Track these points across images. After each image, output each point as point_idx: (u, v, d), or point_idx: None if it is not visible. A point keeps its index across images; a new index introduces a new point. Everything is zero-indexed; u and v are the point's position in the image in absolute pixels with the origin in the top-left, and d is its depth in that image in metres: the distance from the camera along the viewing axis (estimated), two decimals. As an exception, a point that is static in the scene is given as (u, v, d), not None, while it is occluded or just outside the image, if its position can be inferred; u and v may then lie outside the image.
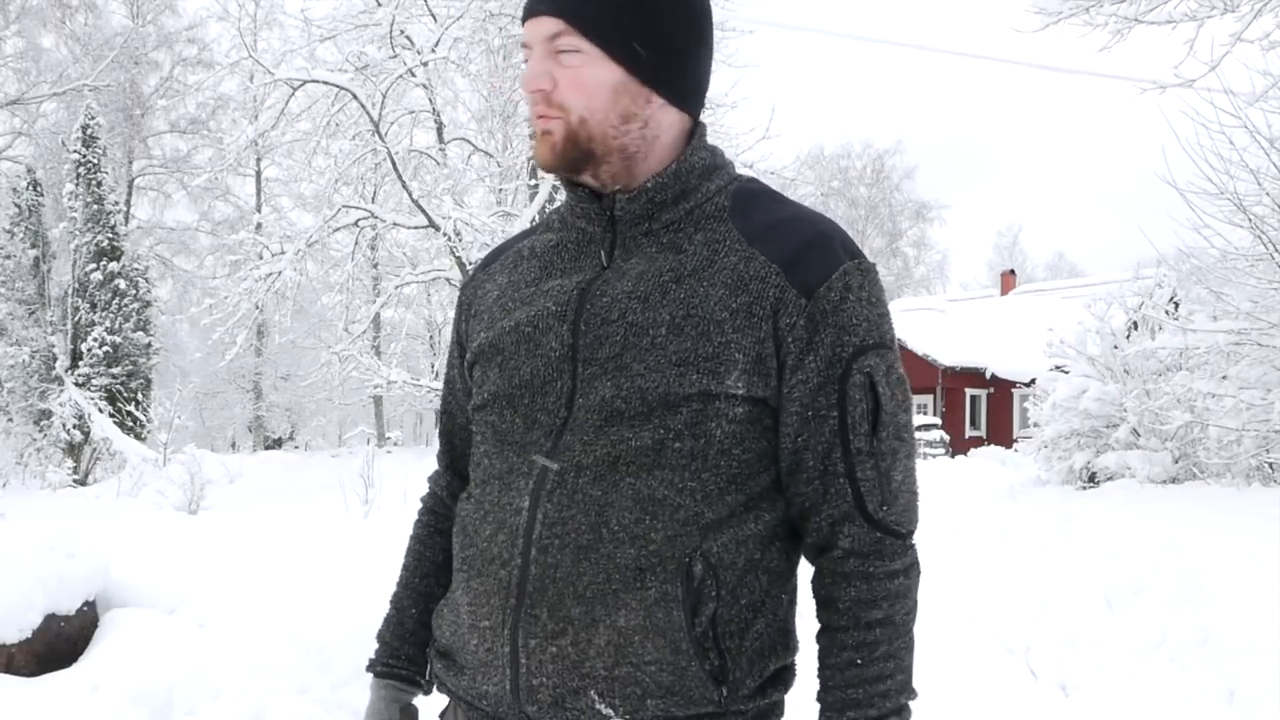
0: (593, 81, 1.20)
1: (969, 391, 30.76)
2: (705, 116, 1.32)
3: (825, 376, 1.17)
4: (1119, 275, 15.23)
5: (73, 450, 18.44)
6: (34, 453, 18.38)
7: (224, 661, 3.89)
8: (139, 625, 4.06)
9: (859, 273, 1.19)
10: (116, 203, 20.74)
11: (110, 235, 19.40)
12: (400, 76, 15.98)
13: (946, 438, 24.66)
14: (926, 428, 24.41)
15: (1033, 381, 12.33)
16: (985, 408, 31.10)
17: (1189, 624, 4.70)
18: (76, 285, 19.14)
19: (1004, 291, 39.66)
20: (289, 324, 21.22)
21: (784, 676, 1.23)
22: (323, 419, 34.97)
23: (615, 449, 1.15)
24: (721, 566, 1.15)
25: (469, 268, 16.58)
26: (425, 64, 16.18)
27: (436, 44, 16.21)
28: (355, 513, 9.85)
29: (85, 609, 4.05)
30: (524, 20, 1.23)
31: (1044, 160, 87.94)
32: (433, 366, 25.44)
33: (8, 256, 18.64)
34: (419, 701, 1.41)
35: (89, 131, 19.55)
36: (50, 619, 3.88)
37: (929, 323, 31.99)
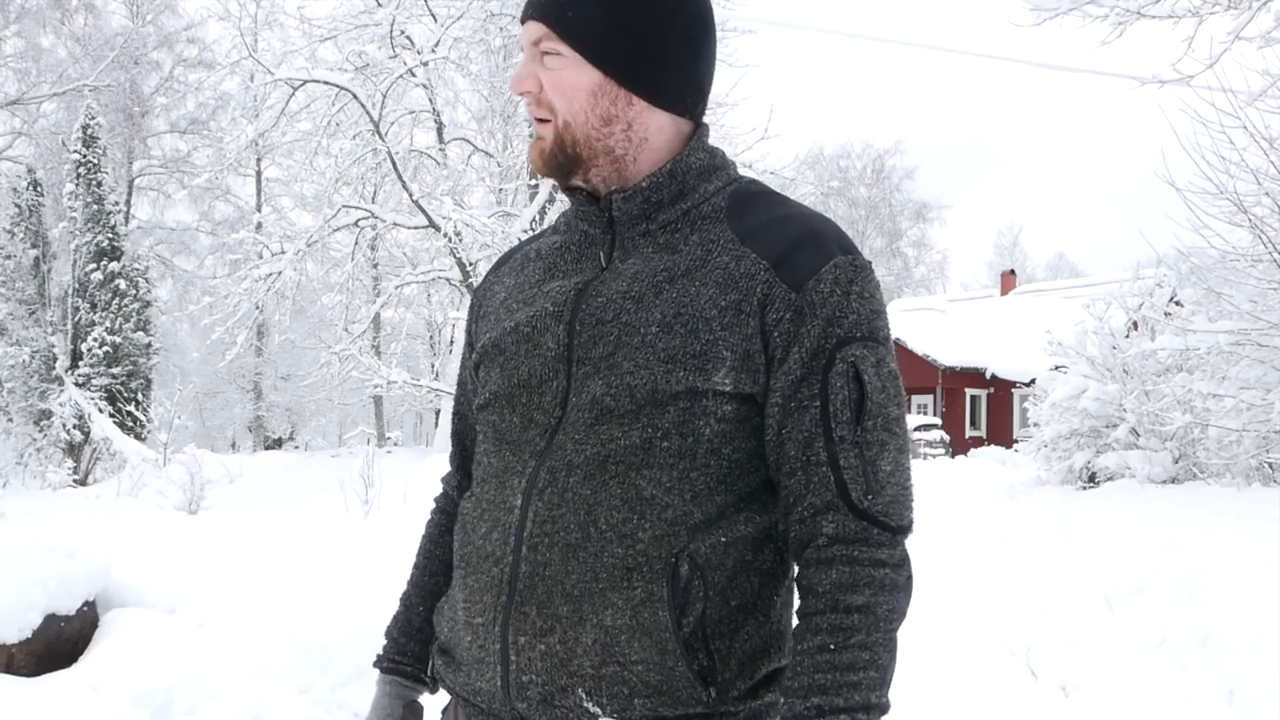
0: (571, 84, 1.23)
1: (969, 391, 30.77)
2: (705, 116, 1.33)
3: (809, 367, 1.16)
4: (1119, 275, 15.22)
5: (73, 450, 18.44)
6: (34, 453, 18.38)
7: (224, 661, 3.89)
8: (139, 625, 4.06)
9: (850, 268, 1.19)
10: (116, 203, 20.74)
11: (110, 235, 19.40)
12: (400, 76, 15.99)
13: (946, 438, 24.66)
14: (926, 428, 24.42)
15: (1033, 381, 12.34)
16: (985, 408, 31.12)
17: (1189, 624, 4.70)
18: (76, 285, 19.14)
19: (1004, 291, 39.67)
20: (289, 324, 21.21)
21: (778, 678, 1.23)
22: (323, 419, 34.99)
23: (605, 448, 1.16)
24: (709, 567, 1.15)
25: (469, 268, 16.64)
26: (425, 64, 16.18)
27: (437, 44, 16.21)
28: (355, 513, 9.85)
29: (85, 609, 4.05)
30: (522, 24, 1.27)
31: (1044, 160, 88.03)
32: (433, 366, 25.43)
33: (8, 256, 18.64)
34: (424, 699, 1.42)
35: (89, 131, 19.55)
36: (50, 619, 3.88)
37: (929, 323, 32.00)
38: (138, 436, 18.95)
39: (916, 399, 30.54)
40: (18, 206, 18.77)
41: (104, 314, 19.07)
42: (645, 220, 1.25)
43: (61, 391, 18.50)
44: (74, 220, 19.21)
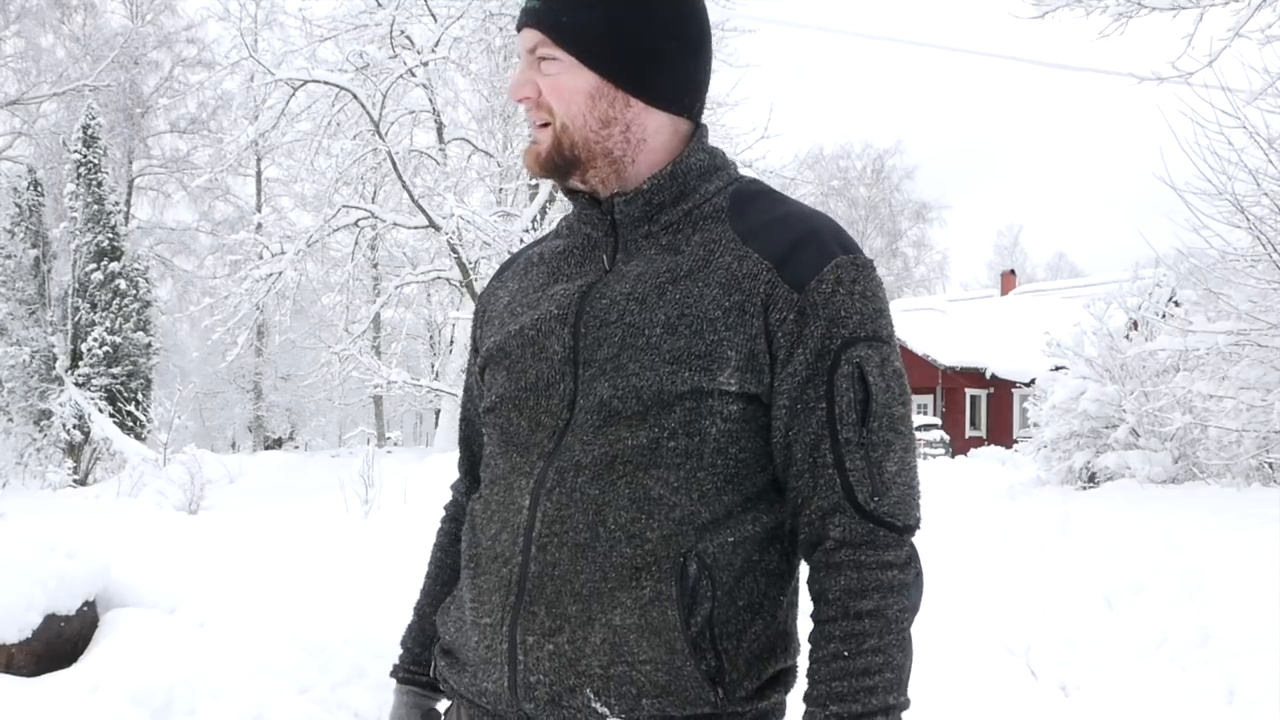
0: (569, 88, 1.24)
1: (969, 391, 30.78)
2: (705, 116, 1.33)
3: (814, 369, 1.16)
4: (1119, 276, 15.23)
5: (73, 450, 18.44)
6: (34, 453, 18.38)
7: (224, 661, 3.89)
8: (139, 625, 4.06)
9: (852, 266, 1.19)
10: (117, 203, 20.74)
11: (110, 235, 19.40)
12: (400, 76, 15.99)
13: (946, 438, 24.67)
14: (926, 428, 24.42)
15: (1033, 382, 12.33)
16: (985, 408, 31.12)
17: (1189, 624, 4.70)
18: (77, 285, 19.14)
19: (1004, 291, 39.67)
20: (289, 324, 21.22)
21: (784, 678, 1.23)
22: (323, 419, 34.99)
23: (613, 448, 1.16)
24: (717, 567, 1.16)
25: (469, 268, 16.64)
26: (425, 64, 16.18)
27: (437, 44, 16.22)
28: (355, 513, 9.85)
29: (85, 609, 4.05)
30: (518, 31, 1.29)
31: (1044, 160, 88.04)
32: (433, 366, 25.44)
33: (8, 256, 18.65)
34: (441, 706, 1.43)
35: (90, 131, 19.56)
36: (50, 619, 3.88)
37: (929, 323, 32.01)
38: (138, 436, 18.96)
39: (916, 399, 30.52)
40: (18, 206, 18.78)
41: (104, 314, 19.07)
42: (647, 222, 1.25)
43: (61, 391, 18.50)
44: (74, 220, 19.22)
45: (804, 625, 1.26)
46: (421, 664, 1.41)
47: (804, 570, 1.26)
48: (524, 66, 1.27)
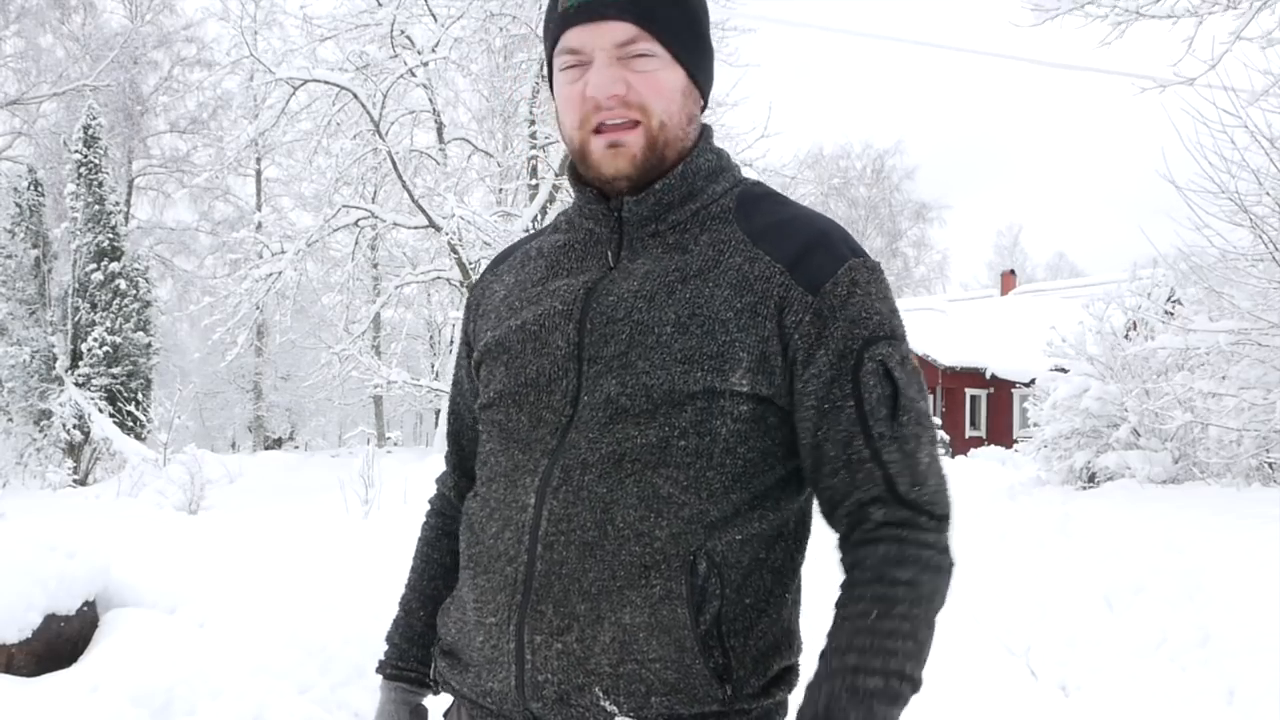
0: (668, 85, 1.21)
1: (969, 391, 30.76)
2: (706, 116, 1.34)
3: (838, 369, 1.16)
4: (1119, 276, 15.22)
5: (73, 450, 18.44)
6: (34, 453, 18.38)
7: (224, 661, 3.89)
8: (139, 625, 4.06)
9: (865, 269, 1.20)
10: (117, 203, 20.74)
11: (111, 235, 19.40)
12: (401, 76, 15.99)
13: (946, 438, 24.66)
14: (926, 428, 24.35)
15: (1033, 381, 12.33)
16: (985, 408, 31.10)
17: (1189, 624, 4.70)
18: (77, 285, 19.14)
19: (1004, 291, 39.65)
20: (289, 324, 21.21)
21: (788, 677, 1.23)
22: (323, 419, 34.96)
23: (621, 446, 1.15)
24: (726, 565, 1.15)
25: (469, 268, 16.63)
26: (426, 64, 16.18)
27: (437, 44, 16.21)
28: (355, 513, 9.84)
29: (85, 609, 4.05)
30: (574, 25, 1.19)
31: (1044, 160, 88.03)
32: (433, 366, 25.43)
33: (9, 256, 18.65)
34: (427, 701, 1.42)
35: (90, 131, 19.56)
36: (50, 619, 3.88)
37: (929, 323, 31.98)
38: (138, 436, 18.96)
39: (916, 399, 30.40)
40: (18, 206, 18.78)
41: (104, 314, 19.07)
42: (654, 221, 1.24)
43: (61, 391, 18.50)
44: (74, 220, 19.22)
45: (807, 625, 1.26)
46: (408, 660, 1.40)
47: (807, 569, 1.26)
48: (606, 63, 1.19)
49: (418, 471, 12.76)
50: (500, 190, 19.88)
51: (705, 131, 1.29)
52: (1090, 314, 10.25)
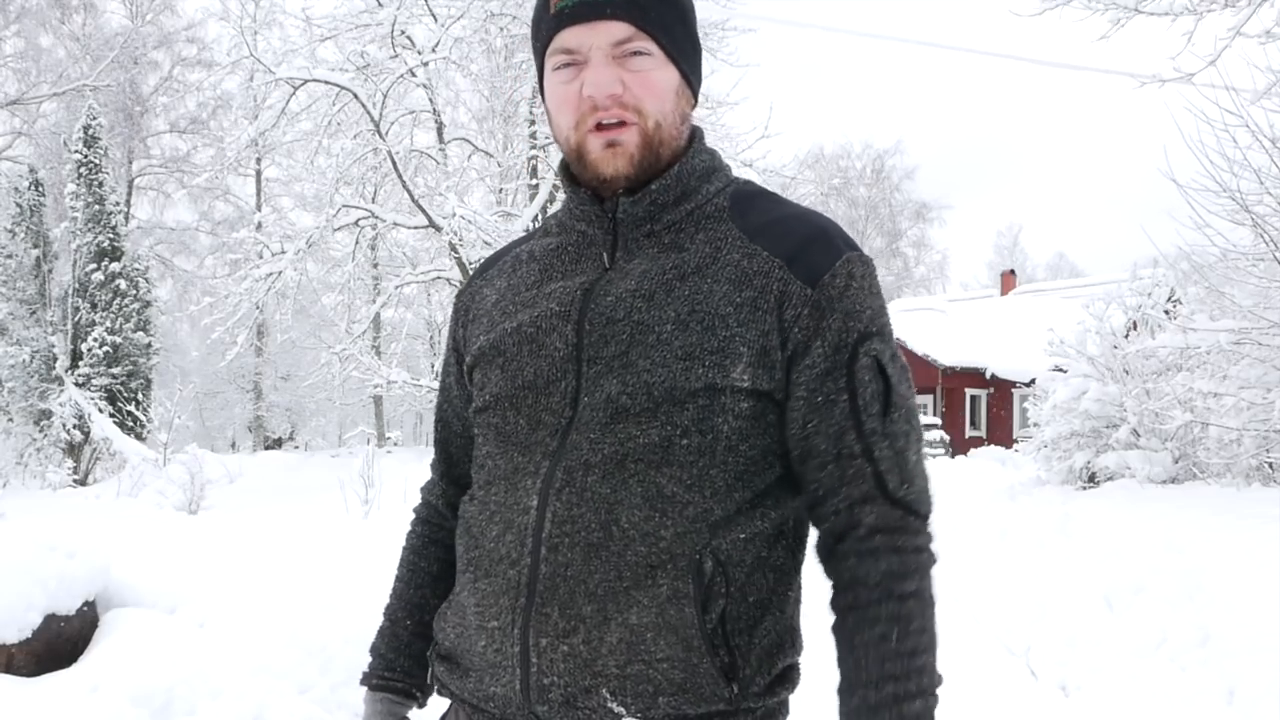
0: (662, 84, 1.21)
1: (969, 391, 30.76)
2: (706, 116, 1.34)
3: (832, 362, 1.17)
4: (1119, 275, 15.22)
5: (73, 450, 18.44)
6: (34, 453, 18.39)
7: (224, 661, 3.89)
8: (139, 625, 4.06)
9: (861, 263, 1.21)
10: (117, 203, 20.75)
11: (111, 235, 19.41)
12: (401, 76, 15.98)
13: (946, 438, 24.66)
14: (926, 428, 24.42)
15: (1033, 381, 12.33)
16: (985, 408, 31.10)
17: (1189, 624, 4.70)
18: (77, 285, 19.15)
19: (1004, 291, 39.65)
20: (289, 324, 21.21)
21: (790, 675, 1.23)
22: (323, 419, 34.98)
23: (623, 446, 1.15)
24: (731, 564, 1.15)
25: (469, 268, 16.62)
26: (426, 64, 16.17)
27: (437, 44, 16.21)
28: (355, 513, 9.85)
29: (85, 609, 4.05)
30: (571, 24, 1.19)
31: (1045, 160, 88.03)
32: (432, 366, 25.43)
33: (9, 256, 18.65)
34: (415, 713, 1.41)
35: (90, 131, 19.57)
36: (50, 619, 3.88)
37: (929, 323, 31.99)
38: (138, 436, 18.96)
39: (916, 399, 30.42)
40: (19, 206, 18.79)
41: (104, 314, 19.07)
42: (650, 221, 1.24)
43: (61, 391, 18.51)
44: (75, 220, 19.22)
45: (807, 624, 1.26)
46: (395, 670, 1.38)
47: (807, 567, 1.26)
48: (602, 62, 1.18)
49: (418, 471, 12.75)
50: (500, 190, 19.88)
51: (696, 132, 1.29)
52: (1090, 314, 10.25)
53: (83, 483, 17.89)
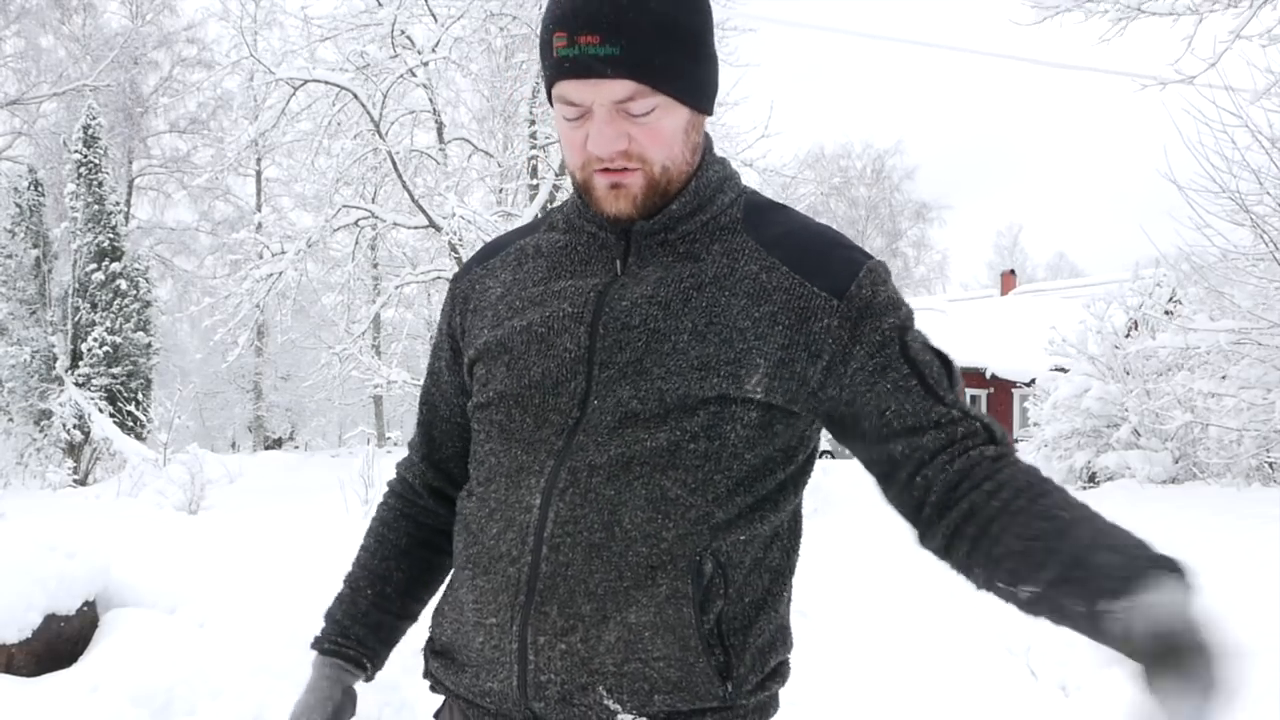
0: (669, 131, 1.19)
1: (969, 392, 30.72)
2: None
3: (885, 357, 1.18)
4: (1119, 275, 15.23)
5: (73, 450, 18.45)
6: (34, 453, 18.39)
7: (224, 661, 3.89)
8: (139, 625, 4.06)
9: (882, 269, 1.24)
10: (117, 203, 20.76)
11: (111, 235, 19.42)
12: (401, 76, 15.97)
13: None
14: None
15: (1033, 381, 12.33)
16: (985, 408, 31.10)
17: (1189, 624, 4.69)
18: (77, 285, 19.15)
19: (1004, 291, 39.66)
20: (289, 324, 21.21)
21: (782, 670, 1.25)
22: (323, 419, 34.96)
23: (630, 449, 1.16)
24: (730, 565, 1.17)
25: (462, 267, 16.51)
26: (426, 64, 16.17)
27: (437, 44, 16.21)
28: (355, 513, 9.85)
29: (85, 609, 4.05)
30: (569, 78, 1.16)
31: (1045, 160, 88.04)
32: (433, 366, 25.34)
33: (9, 256, 18.66)
34: (424, 700, 1.41)
35: (90, 132, 19.58)
36: (50, 619, 3.88)
37: (929, 323, 31.54)
38: (138, 436, 18.97)
39: (917, 399, 30.38)
40: (19, 206, 18.79)
41: (104, 314, 19.08)
42: (664, 231, 1.24)
43: (61, 391, 18.51)
44: (75, 220, 19.23)
45: (798, 621, 1.26)
46: (350, 637, 1.38)
47: (804, 569, 1.26)
48: (607, 119, 1.16)
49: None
50: (500, 190, 19.87)
51: (707, 141, 1.29)
52: (1091, 314, 10.26)
53: (83, 483, 17.89)
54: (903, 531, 1.24)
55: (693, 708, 1.16)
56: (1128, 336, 10.04)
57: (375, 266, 25.04)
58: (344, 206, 16.46)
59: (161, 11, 31.01)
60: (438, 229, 15.88)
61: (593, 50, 1.13)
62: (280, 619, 4.24)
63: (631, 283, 1.22)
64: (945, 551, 1.17)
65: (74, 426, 18.19)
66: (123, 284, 19.24)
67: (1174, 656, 1.00)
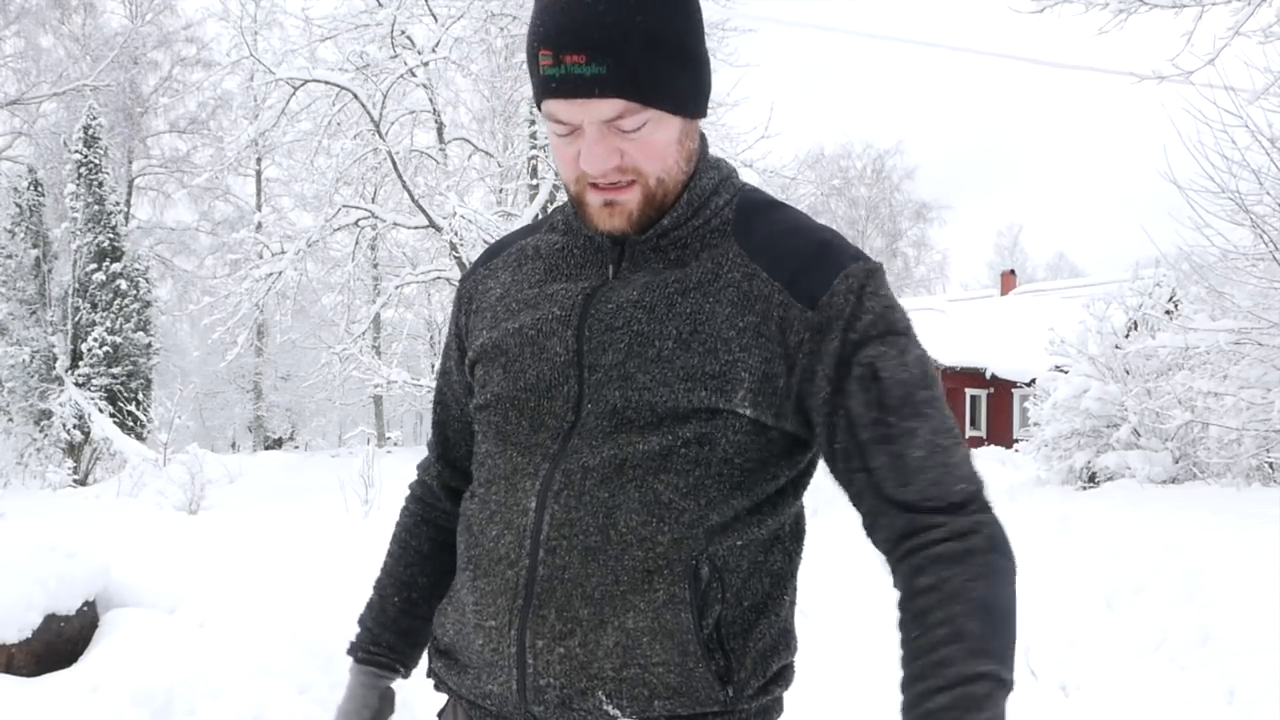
0: (662, 143, 1.18)
1: (969, 392, 30.76)
2: (706, 116, 1.32)
3: (834, 382, 1.16)
4: (1119, 275, 15.24)
5: (73, 450, 18.45)
6: (34, 453, 18.40)
7: (224, 661, 3.89)
8: (139, 625, 4.06)
9: (862, 273, 1.18)
10: (117, 203, 20.76)
11: (111, 235, 19.42)
12: (401, 76, 15.98)
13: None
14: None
15: (1033, 381, 12.33)
16: (985, 408, 31.11)
17: (1189, 624, 4.70)
18: (77, 285, 19.16)
19: (1004, 291, 39.65)
20: (289, 324, 21.22)
21: (785, 674, 1.24)
22: (323, 419, 34.97)
23: (623, 452, 1.16)
24: (727, 569, 1.16)
25: (469, 267, 16.53)
26: (426, 64, 16.17)
27: (437, 44, 16.21)
28: (355, 513, 9.85)
29: (85, 609, 4.05)
30: (557, 97, 1.14)
31: (1045, 160, 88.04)
32: (432, 367, 25.43)
33: (9, 256, 18.66)
34: (424, 700, 1.42)
35: (90, 132, 19.58)
36: (50, 619, 3.88)
37: (929, 323, 31.95)
38: (138, 436, 18.97)
39: (917, 399, 30.35)
40: (18, 206, 18.80)
41: (104, 314, 19.08)
42: (658, 236, 1.24)
43: (61, 391, 18.51)
44: (75, 220, 19.23)
45: (802, 623, 1.26)
46: (381, 644, 1.42)
47: (805, 569, 1.26)
48: (598, 137, 1.14)
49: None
50: (500, 190, 19.88)
51: (702, 145, 1.28)
52: (1091, 314, 10.26)
53: (83, 483, 17.90)
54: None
55: (693, 713, 1.15)
56: (1127, 336, 10.04)
57: (375, 266, 25.04)
58: (344, 206, 16.47)
59: (161, 11, 31.03)
60: (438, 229, 15.88)
61: (579, 70, 1.11)
62: (280, 619, 4.24)
63: (620, 286, 1.22)
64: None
65: (74, 426, 18.19)
66: (123, 284, 19.24)
67: None
